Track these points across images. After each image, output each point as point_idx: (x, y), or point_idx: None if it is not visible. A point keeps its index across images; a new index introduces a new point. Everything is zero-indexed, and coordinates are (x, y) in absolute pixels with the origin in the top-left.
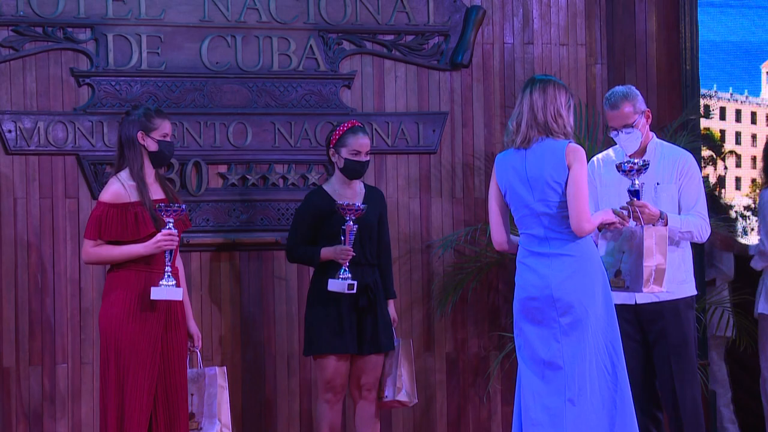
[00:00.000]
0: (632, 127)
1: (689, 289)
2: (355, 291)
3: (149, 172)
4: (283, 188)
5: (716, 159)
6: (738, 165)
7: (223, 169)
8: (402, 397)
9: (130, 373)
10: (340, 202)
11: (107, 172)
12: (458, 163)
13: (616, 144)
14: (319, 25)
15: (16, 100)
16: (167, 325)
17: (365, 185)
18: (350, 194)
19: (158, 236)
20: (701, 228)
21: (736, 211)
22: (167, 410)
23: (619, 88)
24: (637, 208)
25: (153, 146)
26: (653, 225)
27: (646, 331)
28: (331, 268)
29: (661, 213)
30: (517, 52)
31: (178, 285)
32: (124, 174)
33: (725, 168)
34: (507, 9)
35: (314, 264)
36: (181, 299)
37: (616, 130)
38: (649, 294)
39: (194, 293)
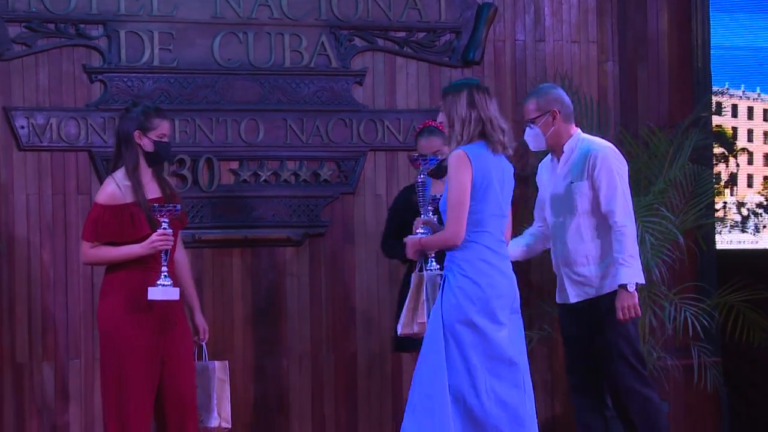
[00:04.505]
0: (532, 123)
1: (611, 284)
2: None
3: (145, 171)
4: (294, 184)
5: (728, 156)
6: (750, 162)
7: (234, 165)
8: None
9: (129, 373)
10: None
11: None
12: None
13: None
14: (331, 21)
15: (29, 97)
16: (163, 325)
17: None
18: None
19: (153, 237)
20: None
21: (748, 209)
22: (178, 408)
23: (541, 85)
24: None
25: (149, 146)
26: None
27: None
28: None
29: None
30: (528, 49)
31: (174, 285)
32: (120, 173)
33: (737, 165)
34: (518, 6)
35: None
36: (177, 299)
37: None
38: (580, 292)
39: (205, 289)
